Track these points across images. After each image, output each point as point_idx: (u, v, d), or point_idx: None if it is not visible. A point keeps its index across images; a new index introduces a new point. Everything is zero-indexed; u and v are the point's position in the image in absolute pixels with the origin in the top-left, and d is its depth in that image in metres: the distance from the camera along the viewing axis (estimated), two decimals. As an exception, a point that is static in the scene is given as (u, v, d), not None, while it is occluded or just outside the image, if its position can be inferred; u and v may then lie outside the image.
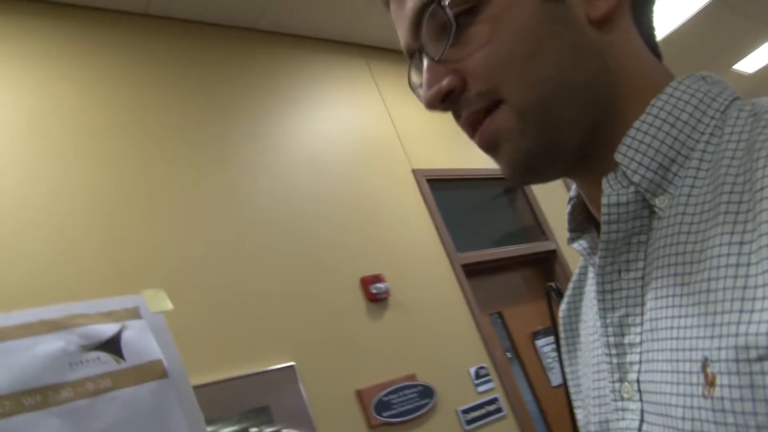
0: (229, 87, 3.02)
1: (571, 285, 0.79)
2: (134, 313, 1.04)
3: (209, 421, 2.19)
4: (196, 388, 2.15)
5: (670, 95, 0.56)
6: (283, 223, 2.81)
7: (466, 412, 2.88)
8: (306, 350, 2.57)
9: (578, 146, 0.60)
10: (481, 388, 3.00)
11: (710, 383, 0.45)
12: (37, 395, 0.83)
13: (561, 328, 0.79)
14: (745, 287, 0.45)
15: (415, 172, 3.48)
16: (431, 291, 3.15)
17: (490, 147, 0.61)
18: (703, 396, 0.46)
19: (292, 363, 2.49)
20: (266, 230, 2.74)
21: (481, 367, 3.06)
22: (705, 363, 0.46)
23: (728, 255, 0.47)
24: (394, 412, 2.64)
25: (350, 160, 3.26)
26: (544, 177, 0.63)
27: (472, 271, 3.43)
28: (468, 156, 3.70)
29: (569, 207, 0.70)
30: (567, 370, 0.78)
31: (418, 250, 3.23)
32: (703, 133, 0.54)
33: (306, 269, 2.77)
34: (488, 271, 3.59)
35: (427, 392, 2.79)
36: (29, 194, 2.23)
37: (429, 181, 3.50)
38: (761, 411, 0.42)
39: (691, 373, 0.47)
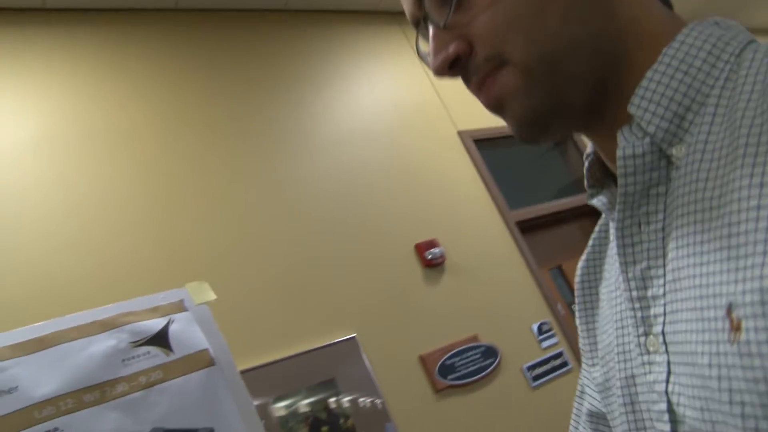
0: (269, 72, 3.05)
1: (590, 242, 0.78)
2: (179, 307, 1.08)
3: (280, 397, 2.27)
4: (263, 366, 2.23)
5: (682, 42, 0.55)
6: (334, 198, 2.85)
7: (531, 368, 2.89)
8: (366, 321, 2.62)
9: (587, 101, 0.59)
10: (545, 344, 3.01)
11: (735, 328, 0.44)
12: (96, 391, 0.88)
13: (577, 286, 0.78)
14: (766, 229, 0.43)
15: (460, 133, 3.46)
16: (487, 251, 3.15)
17: (496, 107, 0.61)
18: (729, 342, 0.45)
19: (353, 334, 2.55)
20: (318, 207, 2.79)
21: (544, 323, 3.06)
22: (730, 308, 0.45)
23: (749, 198, 0.45)
24: (458, 374, 2.67)
25: (395, 128, 3.27)
26: (553, 134, 0.62)
27: (527, 227, 3.41)
28: (513, 112, 3.66)
29: (586, 163, 0.69)
30: (581, 328, 0.77)
31: (470, 212, 3.23)
32: (717, 79, 0.53)
33: (360, 241, 2.81)
34: (544, 226, 3.56)
35: (490, 352, 2.81)
36: (86, 198, 2.33)
37: (475, 141, 3.48)
38: None
39: (716, 319, 0.47)
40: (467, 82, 0.62)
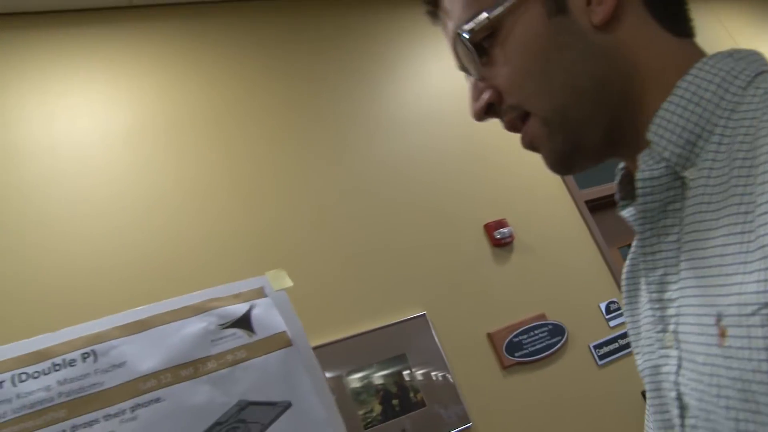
0: (336, 59, 3.15)
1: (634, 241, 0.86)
2: (260, 293, 1.19)
3: (353, 371, 2.40)
4: (338, 342, 2.36)
5: (695, 76, 0.62)
6: (405, 179, 2.95)
7: (598, 347, 2.93)
8: (436, 299, 2.72)
9: (604, 137, 0.68)
10: (613, 323, 3.04)
11: (722, 335, 0.53)
12: (190, 367, 1.01)
13: (623, 282, 0.86)
14: (746, 255, 0.52)
15: (530, 113, 3.49)
16: (555, 230, 3.19)
17: (532, 149, 0.72)
18: (718, 345, 0.54)
19: (423, 312, 2.65)
20: (389, 188, 2.89)
21: (612, 302, 3.08)
22: (719, 318, 0.54)
23: (735, 232, 0.54)
24: (525, 351, 2.74)
25: (461, 109, 3.31)
26: (579, 168, 0.72)
27: (596, 206, 3.42)
28: (584, 91, 3.65)
29: (618, 177, 0.78)
30: (628, 320, 0.85)
31: (538, 191, 3.26)
32: (725, 110, 0.59)
33: (430, 222, 2.89)
34: (613, 204, 3.54)
35: (557, 330, 2.87)
36: (173, 185, 2.49)
37: (545, 121, 3.50)
38: (755, 357, 0.49)
39: (709, 326, 0.55)
40: (502, 121, 0.73)
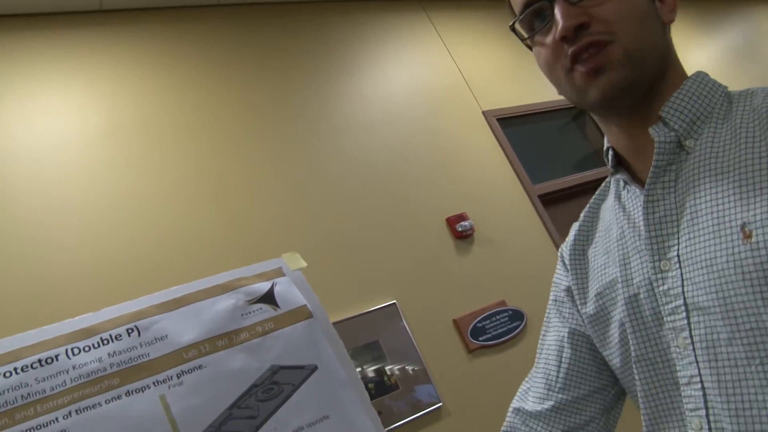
0: (305, 65, 3.28)
1: (587, 208, 1.09)
2: (279, 272, 1.31)
3: (329, 358, 2.52)
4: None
5: (695, 80, 0.89)
6: (371, 178, 3.10)
7: (555, 329, 3.12)
8: (405, 288, 2.88)
9: (645, 92, 0.88)
10: (567, 308, 3.23)
11: (747, 236, 0.73)
12: (225, 338, 1.13)
13: (569, 247, 1.09)
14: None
15: (485, 113, 3.68)
16: (512, 223, 3.39)
17: (596, 70, 0.86)
18: (743, 244, 0.73)
19: (393, 301, 2.81)
20: (357, 185, 3.03)
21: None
22: (743, 226, 0.74)
23: (754, 158, 0.76)
24: (488, 335, 2.93)
25: (425, 110, 3.49)
26: (626, 98, 0.88)
27: (549, 200, 3.63)
28: (533, 92, 3.86)
29: (611, 153, 0.97)
30: (573, 278, 1.06)
31: (496, 186, 3.46)
32: (716, 105, 0.86)
33: (397, 217, 3.05)
34: (564, 198, 3.77)
35: (517, 315, 3.06)
36: (143, 184, 2.58)
37: (499, 120, 3.69)
38: None
39: (732, 233, 0.75)
40: (569, 44, 0.87)
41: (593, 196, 1.08)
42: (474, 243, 3.19)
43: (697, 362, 0.80)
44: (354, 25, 3.59)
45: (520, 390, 1.17)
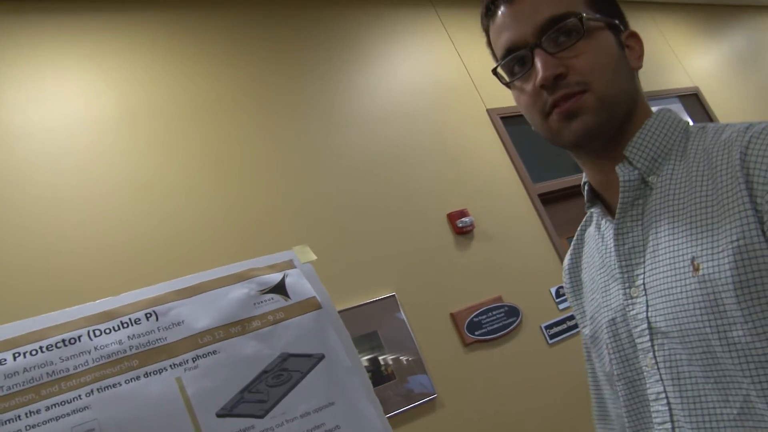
0: (314, 53, 3.32)
1: (571, 247, 1.17)
2: (290, 264, 1.37)
3: (328, 346, 2.59)
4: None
5: (655, 118, 0.96)
6: (375, 171, 3.15)
7: (548, 327, 3.20)
8: (405, 281, 2.94)
9: (614, 134, 0.95)
10: (562, 305, 3.31)
11: (696, 269, 0.81)
12: (238, 326, 1.19)
13: (565, 273, 1.18)
14: (713, 222, 0.81)
15: (489, 111, 3.73)
16: (512, 220, 3.45)
17: (570, 114, 0.93)
18: (693, 276, 0.81)
19: (393, 293, 2.87)
20: (361, 179, 3.09)
21: (561, 287, 3.36)
22: (693, 259, 0.82)
23: (702, 198, 0.84)
24: (484, 330, 3.00)
25: (430, 106, 3.54)
26: (597, 141, 0.95)
27: (548, 199, 3.69)
28: (538, 91, 3.90)
29: (586, 188, 1.07)
30: (572, 302, 1.16)
31: (497, 184, 3.52)
32: (675, 141, 0.94)
33: (399, 211, 3.11)
34: (563, 198, 3.82)
35: (512, 311, 3.13)
36: (157, 171, 2.63)
37: (503, 118, 3.74)
38: (723, 276, 0.78)
39: (684, 266, 0.83)
40: (551, 93, 0.94)
41: (581, 223, 1.17)
42: (474, 239, 3.25)
43: (662, 380, 0.89)
44: (364, 19, 3.63)
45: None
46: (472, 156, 3.51)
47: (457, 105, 3.64)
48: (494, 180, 3.51)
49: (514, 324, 3.10)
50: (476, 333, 2.97)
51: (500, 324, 3.06)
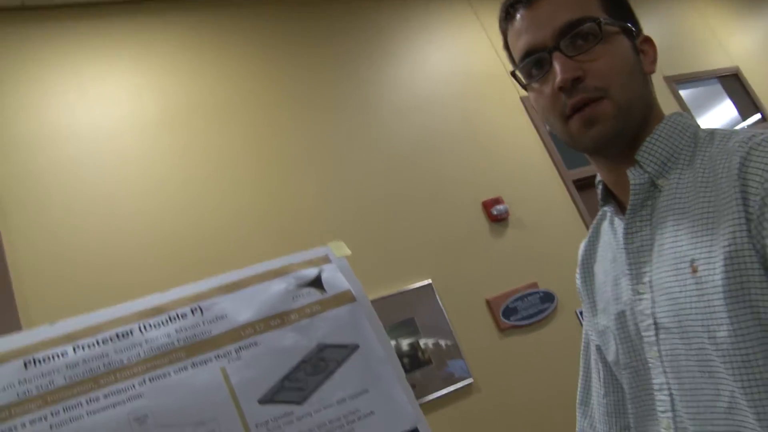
0: (348, 47, 3.39)
1: (586, 239, 1.21)
2: (326, 259, 1.42)
3: (366, 333, 2.65)
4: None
5: (666, 124, 0.98)
6: (412, 160, 3.21)
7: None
8: (440, 269, 3.00)
9: (630, 139, 0.99)
10: (598, 291, 3.31)
11: (694, 270, 0.86)
12: (277, 319, 1.25)
13: (579, 263, 1.21)
14: (713, 228, 0.84)
15: (522, 99, 3.74)
16: (546, 207, 3.48)
17: (588, 121, 0.97)
18: (691, 277, 0.86)
19: (429, 281, 2.93)
20: (398, 168, 3.15)
21: (597, 272, 3.36)
22: (692, 261, 0.86)
23: (704, 203, 0.88)
24: (520, 316, 3.04)
25: (464, 95, 3.57)
26: (614, 147, 1.00)
27: (583, 185, 3.69)
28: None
29: (600, 187, 1.10)
30: (583, 292, 1.19)
31: (531, 172, 3.54)
32: (683, 146, 0.96)
33: (435, 200, 3.17)
34: (599, 184, 3.81)
35: (548, 297, 3.16)
36: (204, 174, 2.72)
37: (536, 105, 3.73)
38: (716, 279, 0.82)
39: (684, 267, 0.88)
40: (570, 96, 0.97)
41: (596, 217, 1.20)
42: (509, 226, 3.28)
43: (665, 372, 0.93)
44: (396, 10, 3.66)
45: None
46: (506, 144, 3.53)
47: (490, 93, 3.66)
48: (529, 167, 3.53)
49: (550, 309, 3.13)
50: (512, 319, 3.01)
51: (535, 310, 3.10)
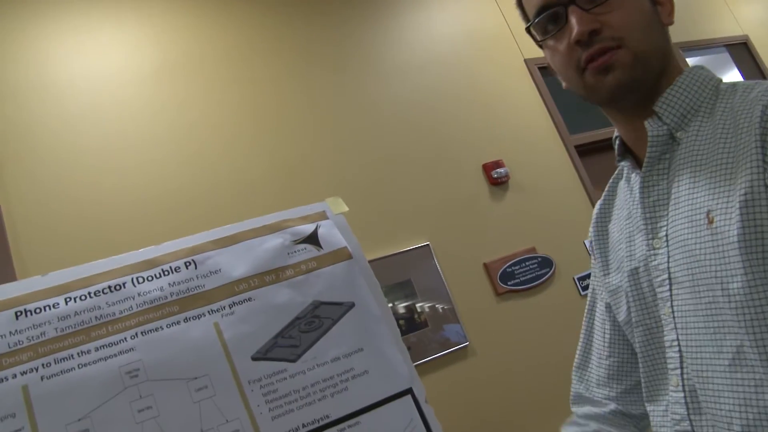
0: (349, 4, 3.32)
1: (603, 195, 1.20)
2: (323, 215, 1.41)
3: (363, 294, 2.65)
4: (351, 267, 2.60)
5: (687, 75, 0.97)
6: (412, 120, 3.17)
7: (582, 279, 3.22)
8: (439, 231, 2.98)
9: (648, 89, 0.97)
10: (596, 257, 3.31)
11: (710, 221, 0.84)
12: (272, 274, 1.24)
13: (594, 221, 1.20)
14: (731, 179, 0.83)
15: (527, 61, 3.69)
16: (547, 172, 3.45)
17: (603, 70, 0.95)
18: (707, 228, 0.85)
19: (427, 243, 2.91)
20: (397, 128, 3.11)
21: (596, 238, 3.35)
22: (708, 212, 0.85)
23: (723, 155, 0.86)
24: (517, 281, 3.03)
25: (466, 55, 3.52)
26: (631, 96, 0.98)
27: (585, 151, 3.66)
28: (578, 40, 3.83)
29: (617, 142, 1.08)
30: (596, 249, 1.18)
31: (533, 135, 3.50)
32: (705, 98, 0.95)
33: (435, 161, 3.14)
34: (600, 150, 3.78)
35: (546, 263, 3.15)
36: (203, 127, 2.69)
37: (540, 68, 3.70)
38: (732, 229, 0.81)
39: (700, 218, 0.86)
40: (586, 49, 0.96)
41: (612, 176, 1.19)
42: (509, 190, 3.26)
43: (676, 328, 0.92)
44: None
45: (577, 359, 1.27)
46: (508, 106, 3.49)
47: (494, 54, 3.61)
48: (530, 131, 3.49)
49: (547, 275, 3.13)
50: (509, 283, 3.01)
51: (533, 275, 3.09)
